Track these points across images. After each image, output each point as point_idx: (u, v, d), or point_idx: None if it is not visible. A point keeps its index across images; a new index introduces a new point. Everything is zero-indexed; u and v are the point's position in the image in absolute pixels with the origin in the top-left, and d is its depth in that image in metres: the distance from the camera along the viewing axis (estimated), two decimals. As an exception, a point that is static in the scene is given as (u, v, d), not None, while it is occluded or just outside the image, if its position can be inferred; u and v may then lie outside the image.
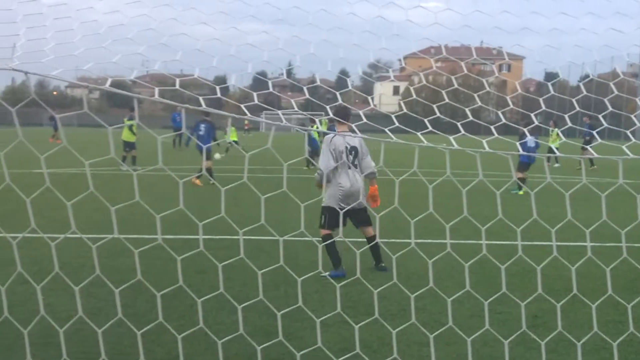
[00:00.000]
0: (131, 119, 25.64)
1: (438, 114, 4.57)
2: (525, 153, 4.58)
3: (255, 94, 4.31)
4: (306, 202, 4.17)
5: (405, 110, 5.25)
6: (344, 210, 6.65)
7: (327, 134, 10.45)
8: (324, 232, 9.20)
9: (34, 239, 8.13)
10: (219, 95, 4.14)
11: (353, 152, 9.22)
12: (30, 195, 3.96)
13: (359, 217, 9.24)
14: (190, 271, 8.22)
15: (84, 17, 4.12)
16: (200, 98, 3.90)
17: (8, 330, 5.06)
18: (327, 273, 8.64)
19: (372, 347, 6.02)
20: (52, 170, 20.99)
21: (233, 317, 6.59)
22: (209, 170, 19.78)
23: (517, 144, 4.86)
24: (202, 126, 21.23)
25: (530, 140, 18.30)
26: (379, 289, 4.93)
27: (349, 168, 9.19)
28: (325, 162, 9.15)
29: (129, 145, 25.91)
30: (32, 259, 8.58)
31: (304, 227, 4.34)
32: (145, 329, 4.68)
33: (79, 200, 4.11)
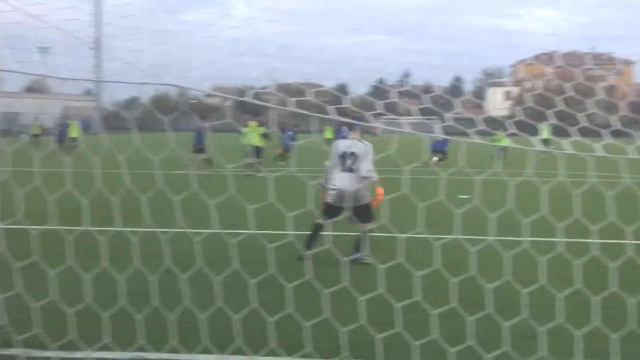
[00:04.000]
0: (261, 125, 25.69)
1: (549, 117, 4.42)
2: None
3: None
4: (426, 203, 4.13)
5: (516, 114, 5.18)
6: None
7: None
8: (316, 220, 9.76)
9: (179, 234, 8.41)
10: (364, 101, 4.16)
11: (353, 157, 9.66)
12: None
13: (357, 214, 9.42)
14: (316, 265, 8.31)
15: (226, 35, 4.27)
16: (334, 107, 3.91)
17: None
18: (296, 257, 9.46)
19: (482, 339, 5.90)
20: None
21: (350, 308, 6.61)
22: None
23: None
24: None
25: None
26: (494, 284, 4.83)
27: (343, 171, 9.69)
28: (328, 162, 9.96)
29: (258, 151, 25.58)
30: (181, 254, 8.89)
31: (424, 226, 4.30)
32: (274, 316, 4.74)
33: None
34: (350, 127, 9.84)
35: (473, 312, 5.65)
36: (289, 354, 5.33)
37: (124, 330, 5.86)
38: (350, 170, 9.66)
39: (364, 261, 9.46)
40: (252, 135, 25.43)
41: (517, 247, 6.40)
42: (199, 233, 5.06)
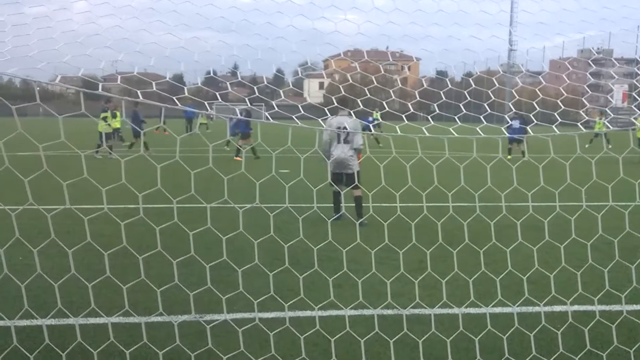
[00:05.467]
0: (105, 110, 23.50)
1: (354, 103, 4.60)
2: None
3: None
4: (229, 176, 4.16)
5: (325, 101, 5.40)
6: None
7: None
8: (333, 189, 10.28)
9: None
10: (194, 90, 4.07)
11: (345, 131, 9.97)
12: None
13: (348, 181, 10.11)
14: (148, 234, 8.11)
15: (40, 24, 4.00)
16: (139, 92, 3.81)
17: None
18: (330, 219, 9.67)
19: (294, 289, 6.08)
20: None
21: (180, 271, 6.53)
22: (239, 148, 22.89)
23: (503, 128, 4.91)
24: (244, 114, 23.24)
25: (515, 122, 21.11)
26: (289, 243, 4.98)
27: (339, 142, 10.23)
28: (323, 138, 10.42)
29: (100, 136, 23.08)
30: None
31: (227, 196, 4.33)
32: (95, 282, 4.60)
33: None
34: (343, 106, 10.19)
35: (274, 268, 5.81)
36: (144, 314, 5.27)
37: None
38: (346, 141, 10.23)
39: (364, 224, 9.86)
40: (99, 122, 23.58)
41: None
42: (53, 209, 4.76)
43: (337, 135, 10.27)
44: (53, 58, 3.78)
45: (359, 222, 9.67)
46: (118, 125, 27.97)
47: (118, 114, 27.62)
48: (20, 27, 3.86)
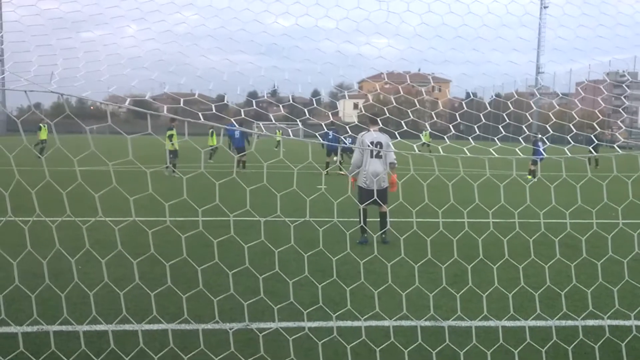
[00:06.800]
0: (170, 129, 22.02)
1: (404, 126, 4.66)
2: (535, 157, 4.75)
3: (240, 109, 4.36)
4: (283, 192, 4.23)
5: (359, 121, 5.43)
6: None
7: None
8: (360, 208, 9.69)
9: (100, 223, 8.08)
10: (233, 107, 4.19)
11: (378, 146, 9.65)
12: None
13: (378, 196, 9.34)
14: (197, 245, 8.25)
15: (109, 50, 4.19)
16: (200, 114, 3.94)
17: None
18: (357, 241, 9.50)
19: (334, 300, 6.11)
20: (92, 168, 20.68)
21: (227, 280, 6.62)
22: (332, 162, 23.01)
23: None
24: (331, 132, 23.16)
25: (540, 144, 21.09)
26: (338, 256, 5.01)
27: (372, 158, 9.73)
28: (355, 154, 9.96)
29: (172, 153, 22.06)
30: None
31: (279, 211, 4.41)
32: (157, 291, 4.71)
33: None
34: (373, 122, 9.77)
35: (322, 280, 5.84)
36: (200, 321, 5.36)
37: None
38: (378, 156, 9.78)
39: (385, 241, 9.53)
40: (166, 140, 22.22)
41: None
42: (120, 221, 4.89)
43: (370, 150, 9.76)
44: (121, 82, 3.96)
45: (383, 238, 9.53)
46: (214, 144, 27.57)
47: (214, 133, 27.69)
48: (92, 54, 4.05)
